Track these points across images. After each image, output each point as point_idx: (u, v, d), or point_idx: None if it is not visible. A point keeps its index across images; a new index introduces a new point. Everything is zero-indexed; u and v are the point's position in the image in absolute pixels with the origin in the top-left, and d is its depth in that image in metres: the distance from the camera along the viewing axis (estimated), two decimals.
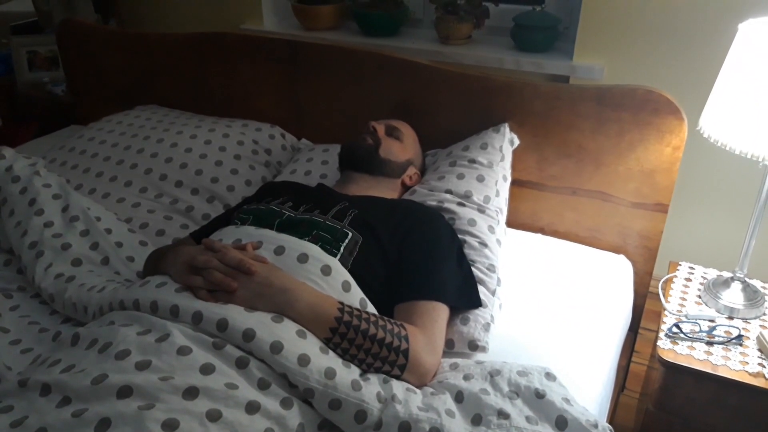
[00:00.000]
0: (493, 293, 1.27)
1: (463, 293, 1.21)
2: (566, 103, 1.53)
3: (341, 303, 1.05)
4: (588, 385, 1.18)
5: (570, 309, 1.35)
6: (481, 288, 1.25)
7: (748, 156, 1.21)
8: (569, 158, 1.58)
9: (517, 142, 1.59)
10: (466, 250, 1.32)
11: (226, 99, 2.02)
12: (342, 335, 1.01)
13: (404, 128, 1.56)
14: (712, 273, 1.56)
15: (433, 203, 1.42)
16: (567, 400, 1.00)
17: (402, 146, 1.51)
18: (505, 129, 1.58)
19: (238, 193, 1.70)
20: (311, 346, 0.98)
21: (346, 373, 0.98)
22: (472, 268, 1.28)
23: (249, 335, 0.95)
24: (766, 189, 1.32)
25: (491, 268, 1.31)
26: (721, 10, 1.55)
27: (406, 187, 1.52)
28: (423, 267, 1.19)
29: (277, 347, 0.95)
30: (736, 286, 1.42)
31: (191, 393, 0.88)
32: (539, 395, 1.00)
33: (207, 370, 0.92)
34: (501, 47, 1.94)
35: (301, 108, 1.92)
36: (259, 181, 1.76)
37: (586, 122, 1.53)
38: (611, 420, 1.44)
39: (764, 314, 1.41)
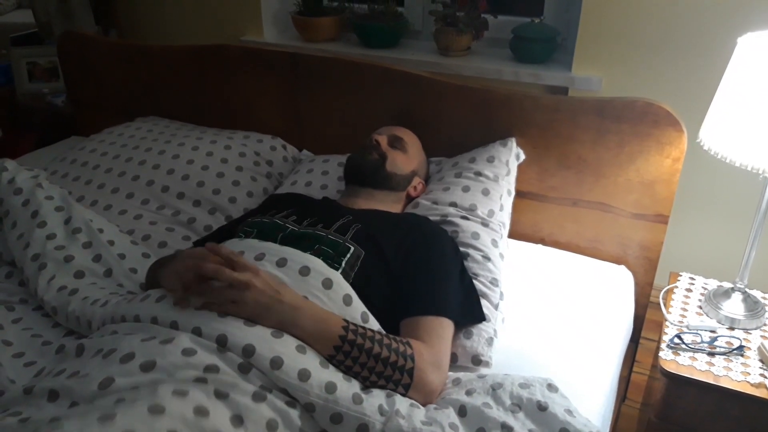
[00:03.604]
0: (496, 307, 1.27)
1: (467, 308, 1.21)
2: (566, 115, 1.54)
3: (346, 321, 1.04)
4: (590, 395, 1.18)
5: (571, 320, 1.36)
6: (484, 302, 1.25)
7: (748, 168, 1.21)
8: (569, 169, 1.59)
9: (523, 156, 1.59)
10: (469, 264, 1.32)
11: (227, 111, 2.02)
12: (346, 353, 1.01)
13: (407, 137, 1.55)
14: (713, 284, 1.56)
15: (437, 218, 1.42)
16: (569, 412, 1.00)
17: (406, 157, 1.50)
18: (512, 143, 1.58)
19: (239, 205, 1.70)
20: (311, 360, 0.98)
21: (347, 387, 0.98)
22: (476, 282, 1.28)
23: (249, 351, 0.95)
24: (766, 200, 1.32)
25: (494, 282, 1.31)
26: (719, 23, 1.56)
27: (410, 198, 1.52)
28: (428, 283, 1.19)
29: (277, 363, 0.95)
30: (737, 296, 1.43)
31: (199, 380, 0.90)
32: (541, 407, 1.00)
33: (211, 369, 0.93)
34: (500, 59, 1.95)
35: (301, 119, 1.93)
36: (261, 193, 1.77)
37: (587, 134, 1.54)
38: (613, 431, 1.44)
39: (765, 325, 1.41)
